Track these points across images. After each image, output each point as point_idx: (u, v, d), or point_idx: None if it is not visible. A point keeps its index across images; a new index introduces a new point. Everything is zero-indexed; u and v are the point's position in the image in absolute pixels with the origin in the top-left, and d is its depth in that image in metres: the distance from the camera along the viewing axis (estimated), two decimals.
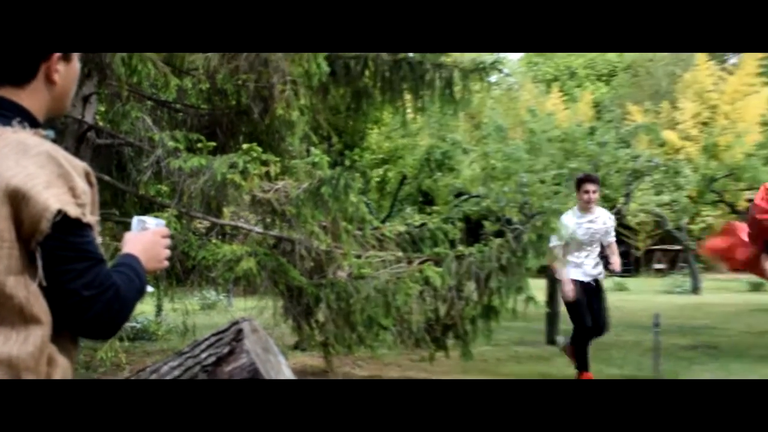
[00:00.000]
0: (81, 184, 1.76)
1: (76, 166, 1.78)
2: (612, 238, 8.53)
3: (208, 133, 7.92)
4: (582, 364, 8.25)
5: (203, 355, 5.06)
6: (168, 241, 2.11)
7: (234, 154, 6.95)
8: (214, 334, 5.14)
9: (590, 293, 8.21)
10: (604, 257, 8.73)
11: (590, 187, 8.28)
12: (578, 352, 8.24)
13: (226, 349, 5.03)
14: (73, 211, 1.71)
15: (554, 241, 8.06)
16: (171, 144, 7.11)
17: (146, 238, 2.07)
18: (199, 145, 7.18)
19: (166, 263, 2.09)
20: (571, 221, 8.26)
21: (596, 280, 8.33)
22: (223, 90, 8.07)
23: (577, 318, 8.13)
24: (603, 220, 8.44)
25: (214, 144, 7.35)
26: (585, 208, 8.30)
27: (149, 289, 2.07)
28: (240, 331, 5.08)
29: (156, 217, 2.29)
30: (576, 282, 8.11)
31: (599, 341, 11.78)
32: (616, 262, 8.48)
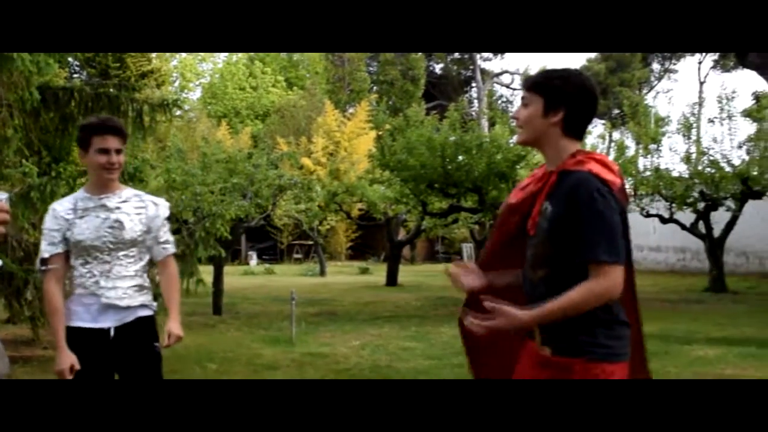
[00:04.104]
0: None
1: None
2: (166, 248, 3.24)
3: None
4: None
5: None
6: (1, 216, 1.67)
7: None
8: None
9: (97, 351, 2.99)
10: None
11: (113, 142, 2.95)
12: None
13: None
14: None
15: (44, 251, 3.00)
16: None
17: None
18: None
19: None
20: (64, 209, 3.03)
21: (126, 326, 3.13)
22: None
23: None
24: (139, 209, 3.10)
25: None
26: (101, 183, 3.03)
27: None
28: None
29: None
30: (75, 332, 2.97)
31: (251, 310, 11.91)
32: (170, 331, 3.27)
